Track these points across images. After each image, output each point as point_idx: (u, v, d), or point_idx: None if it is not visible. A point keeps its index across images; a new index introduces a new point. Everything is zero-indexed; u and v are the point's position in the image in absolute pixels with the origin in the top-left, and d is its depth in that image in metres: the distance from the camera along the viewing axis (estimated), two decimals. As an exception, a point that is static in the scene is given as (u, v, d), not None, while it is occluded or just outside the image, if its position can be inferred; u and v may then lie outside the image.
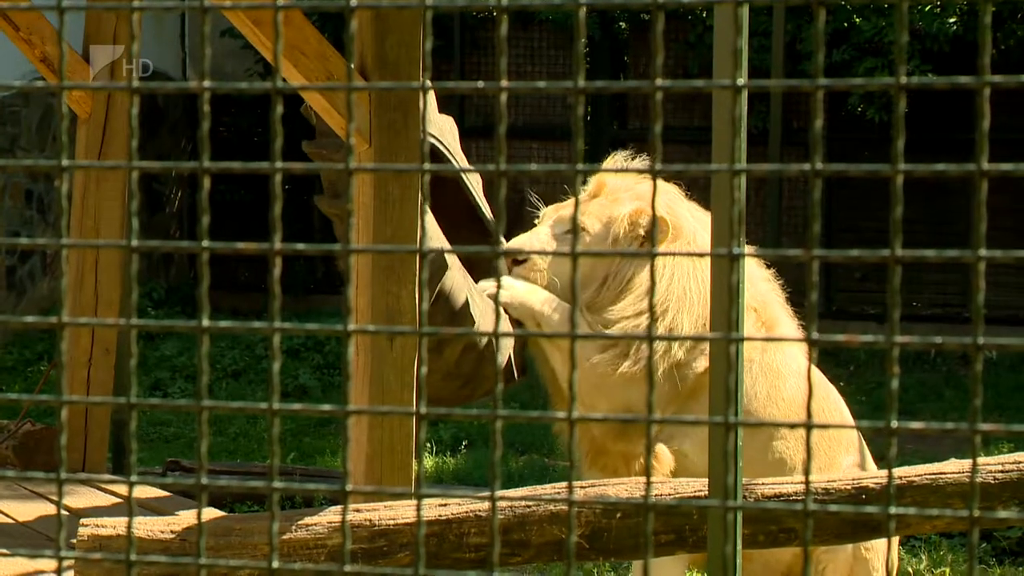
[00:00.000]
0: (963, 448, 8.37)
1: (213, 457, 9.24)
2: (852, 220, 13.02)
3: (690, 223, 5.52)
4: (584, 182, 5.64)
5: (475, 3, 2.09)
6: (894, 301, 1.61)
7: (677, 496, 4.58)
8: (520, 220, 6.01)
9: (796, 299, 5.86)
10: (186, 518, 4.83)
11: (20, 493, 6.67)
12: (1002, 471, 4.62)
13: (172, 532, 4.49)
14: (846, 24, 12.45)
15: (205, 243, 1.69)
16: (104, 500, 6.49)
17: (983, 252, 1.57)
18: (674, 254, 5.17)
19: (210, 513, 5.51)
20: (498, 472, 1.64)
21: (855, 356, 12.10)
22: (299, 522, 4.48)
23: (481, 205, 6.05)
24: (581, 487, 4.66)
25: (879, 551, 5.47)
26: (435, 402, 5.79)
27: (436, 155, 5.80)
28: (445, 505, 4.51)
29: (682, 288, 5.40)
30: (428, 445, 9.64)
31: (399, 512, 4.48)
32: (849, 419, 5.79)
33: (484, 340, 5.68)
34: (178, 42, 14.14)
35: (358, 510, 4.52)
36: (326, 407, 1.74)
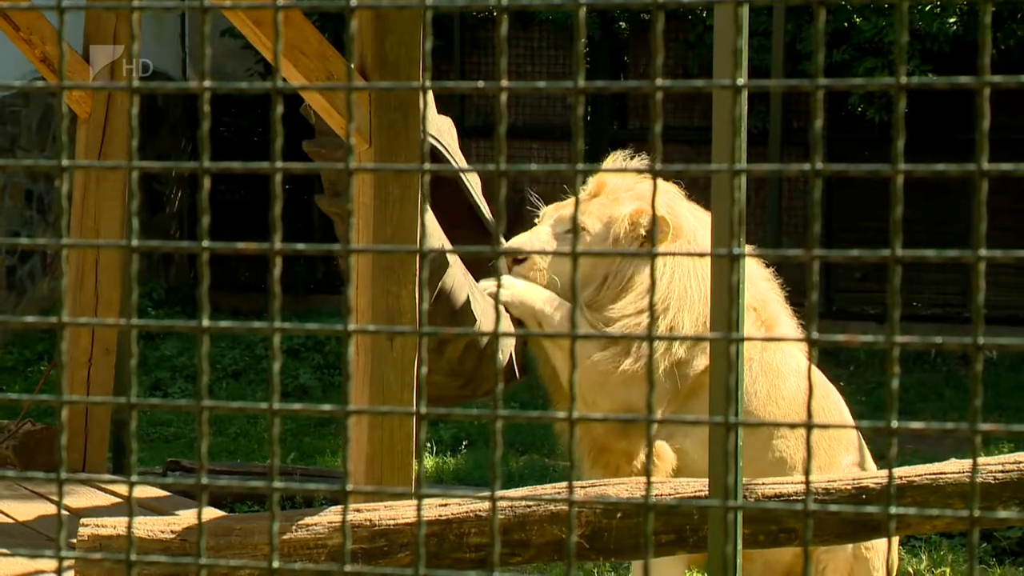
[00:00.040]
0: (963, 448, 8.37)
1: (213, 457, 9.24)
2: (852, 220, 13.02)
3: (690, 223, 5.53)
4: (584, 182, 5.64)
5: (475, 3, 2.09)
6: (894, 301, 1.61)
7: (677, 496, 4.58)
8: (520, 220, 6.01)
9: (796, 299, 5.86)
10: (186, 518, 4.83)
11: (20, 493, 6.67)
12: (1002, 471, 4.62)
13: (172, 532, 4.49)
14: (846, 24, 12.45)
15: (205, 243, 1.69)
16: (104, 500, 6.49)
17: (983, 252, 1.58)
18: (674, 254, 5.17)
19: (210, 513, 5.51)
20: (498, 472, 1.64)
21: (855, 356, 12.10)
22: (299, 522, 4.48)
23: (480, 205, 6.05)
24: (581, 487, 4.66)
25: (879, 551, 5.47)
26: (436, 401, 5.79)
27: (435, 155, 5.80)
28: (445, 505, 4.51)
29: (683, 287, 5.40)
30: (428, 445, 9.64)
31: (399, 512, 4.48)
32: (849, 418, 5.79)
33: (485, 339, 5.68)
34: (178, 42, 14.14)
35: (358, 510, 4.52)
36: (326, 407, 1.74)
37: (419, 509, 1.69)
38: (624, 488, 4.61)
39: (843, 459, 5.53)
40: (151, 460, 9.20)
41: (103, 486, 6.65)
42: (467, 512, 4.49)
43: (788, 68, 12.28)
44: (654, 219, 1.74)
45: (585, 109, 12.75)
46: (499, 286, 5.46)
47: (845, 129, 12.89)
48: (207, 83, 1.70)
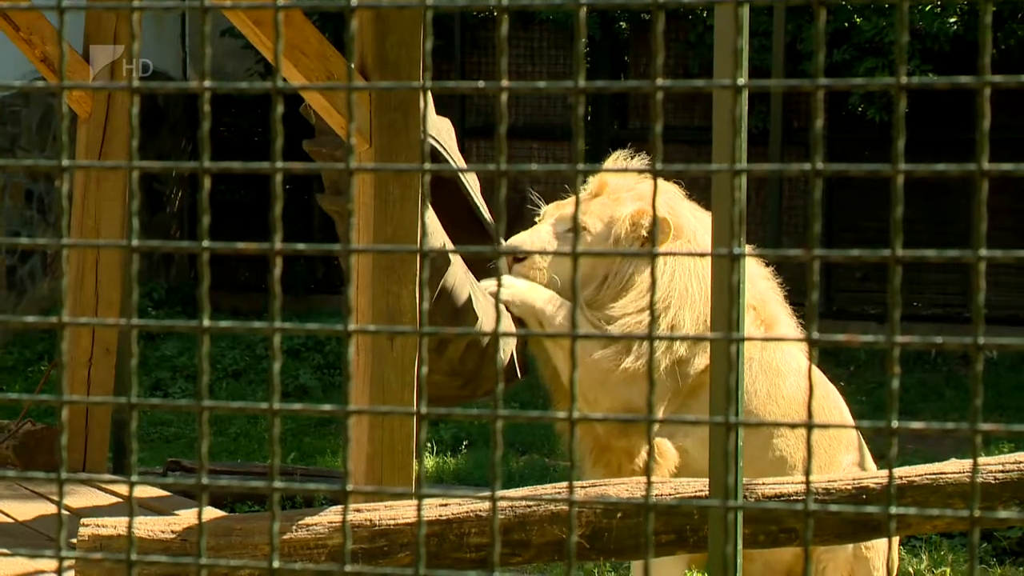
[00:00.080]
0: (964, 448, 8.37)
1: (214, 457, 9.24)
2: (853, 220, 13.02)
3: (691, 223, 5.53)
4: (585, 181, 5.65)
5: (475, 3, 2.09)
6: (894, 301, 1.61)
7: (678, 496, 4.58)
8: (521, 219, 6.02)
9: (796, 299, 5.87)
10: (187, 518, 4.83)
11: (20, 493, 6.67)
12: (1003, 471, 4.62)
13: (173, 532, 4.49)
14: (847, 24, 12.45)
15: (205, 243, 1.69)
16: (104, 500, 6.49)
17: (983, 252, 1.57)
18: (675, 254, 5.18)
19: (211, 513, 5.51)
20: (499, 472, 1.64)
21: (855, 356, 12.10)
22: (300, 522, 4.48)
23: (479, 205, 6.05)
24: (582, 487, 4.66)
25: (879, 550, 5.47)
26: (436, 401, 5.79)
27: (435, 156, 5.81)
28: (446, 505, 4.51)
29: (683, 285, 5.41)
30: (429, 445, 9.64)
31: (400, 512, 4.48)
32: (849, 418, 5.80)
33: (487, 338, 5.68)
34: (178, 42, 14.14)
35: (359, 510, 4.52)
36: (326, 407, 1.74)
37: (419, 509, 1.69)
38: (624, 488, 4.61)
39: (843, 459, 5.53)
40: (151, 460, 9.20)
41: (103, 486, 6.65)
42: (467, 512, 4.49)
43: (788, 68, 12.28)
44: (655, 220, 1.74)
45: (585, 109, 12.75)
46: (499, 286, 5.46)
47: (845, 129, 12.89)
48: (207, 83, 1.70)
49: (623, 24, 13.62)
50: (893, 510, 1.62)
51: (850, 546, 5.38)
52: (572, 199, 5.59)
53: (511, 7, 1.64)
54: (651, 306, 1.61)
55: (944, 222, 12.66)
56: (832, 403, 5.65)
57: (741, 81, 1.68)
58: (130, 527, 1.72)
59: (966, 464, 4.69)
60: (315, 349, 12.24)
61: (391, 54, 4.91)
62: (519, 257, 5.52)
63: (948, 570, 7.34)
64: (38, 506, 6.45)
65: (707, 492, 4.43)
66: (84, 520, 4.53)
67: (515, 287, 5.48)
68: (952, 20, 11.94)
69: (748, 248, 5.35)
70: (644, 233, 5.45)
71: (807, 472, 1.61)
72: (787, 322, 5.68)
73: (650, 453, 1.70)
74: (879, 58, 12.28)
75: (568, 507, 1.67)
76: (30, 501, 6.54)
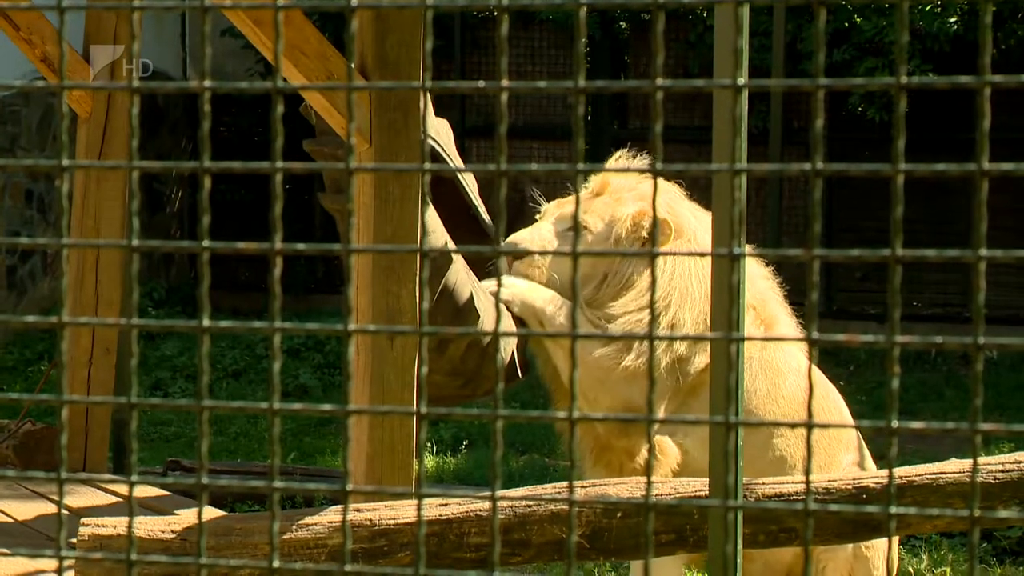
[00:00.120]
0: (964, 448, 8.37)
1: (214, 457, 9.24)
2: (853, 220, 13.02)
3: (691, 223, 5.53)
4: (586, 180, 5.65)
5: (476, 3, 2.09)
6: (894, 301, 1.61)
7: (677, 496, 4.58)
8: (521, 219, 6.02)
9: (796, 299, 5.87)
10: (187, 518, 4.83)
11: (20, 493, 6.67)
12: (1003, 471, 4.62)
13: (173, 532, 4.49)
14: (847, 24, 12.45)
15: (206, 243, 1.69)
16: (104, 500, 6.49)
17: (984, 252, 1.57)
18: (675, 253, 5.18)
19: (211, 513, 5.51)
20: (499, 472, 1.64)
21: (855, 356, 12.10)
22: (300, 522, 4.48)
23: (477, 205, 6.06)
24: (582, 487, 4.66)
25: (879, 549, 5.47)
26: (436, 401, 5.79)
27: (434, 156, 5.81)
28: (446, 505, 4.51)
29: (683, 284, 5.41)
30: (429, 445, 9.64)
31: (400, 512, 4.48)
32: (849, 418, 5.80)
33: (488, 337, 5.68)
34: (178, 42, 14.14)
35: (359, 510, 4.52)
36: (326, 407, 1.74)
37: (419, 509, 1.69)
38: (624, 488, 4.61)
39: (843, 458, 5.53)
40: (151, 460, 9.20)
41: (103, 486, 6.65)
42: (467, 512, 4.49)
43: (788, 68, 12.28)
44: (655, 221, 1.74)
45: (586, 109, 12.74)
46: (499, 285, 5.46)
47: (846, 129, 12.89)
48: (207, 83, 1.70)
49: (623, 24, 13.62)
50: (893, 510, 1.62)
51: (850, 546, 5.38)
52: (573, 197, 5.59)
53: (511, 7, 1.64)
54: (651, 306, 1.61)
55: (944, 222, 12.66)
56: (832, 403, 5.65)
57: (741, 81, 1.68)
58: (130, 527, 1.72)
59: (966, 464, 4.69)
60: (315, 349, 12.24)
61: (391, 54, 4.91)
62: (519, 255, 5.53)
63: (948, 570, 7.34)
64: (38, 506, 6.45)
65: (707, 492, 4.43)
66: (84, 520, 4.53)
67: (515, 287, 5.49)
68: (952, 20, 11.94)
69: (748, 248, 5.36)
70: (645, 234, 5.45)
71: (807, 472, 1.61)
72: (787, 322, 5.68)
73: (650, 452, 1.70)
74: (879, 58, 12.28)
75: (568, 507, 1.67)
76: (30, 501, 6.54)
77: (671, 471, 5.36)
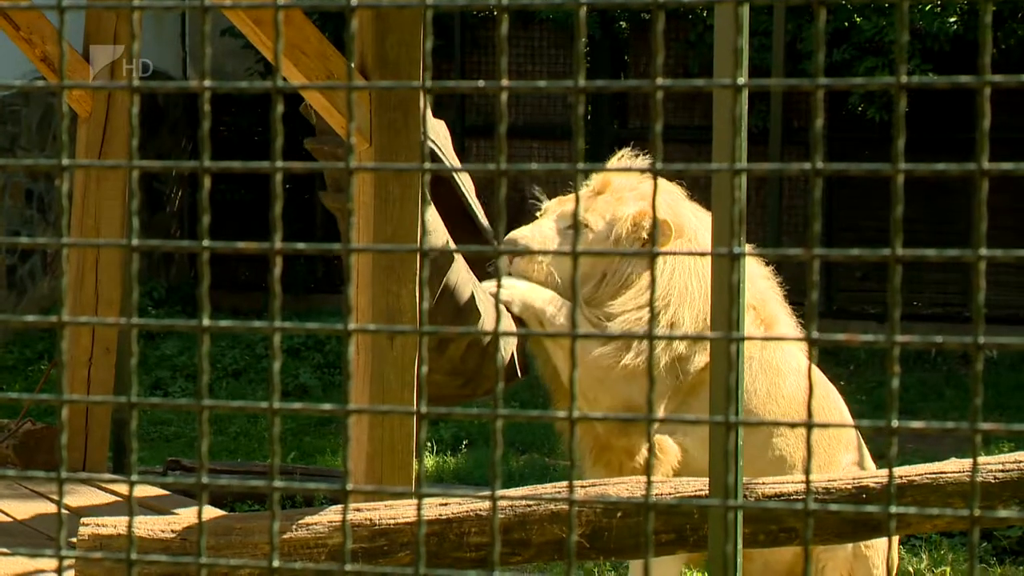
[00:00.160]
0: (963, 447, 8.37)
1: (214, 456, 9.24)
2: (853, 219, 13.02)
3: (692, 223, 5.54)
4: (587, 179, 5.65)
5: (475, 2, 2.09)
6: (894, 300, 1.61)
7: (677, 495, 4.58)
8: (521, 219, 6.02)
9: (796, 298, 5.87)
10: (187, 517, 4.83)
11: (20, 492, 6.67)
12: (1003, 470, 4.62)
13: (173, 531, 4.49)
14: (847, 23, 12.45)
15: (205, 242, 1.69)
16: (104, 499, 6.49)
17: (984, 251, 1.57)
18: (674, 253, 5.19)
19: (211, 512, 5.51)
20: (499, 471, 1.64)
21: (855, 355, 12.10)
22: (300, 521, 4.48)
23: (473, 206, 6.06)
24: (582, 486, 4.66)
25: (879, 548, 5.48)
26: (436, 401, 5.79)
27: (433, 157, 5.81)
28: (446, 504, 4.51)
29: (683, 284, 5.42)
30: (429, 444, 9.64)
31: (400, 511, 4.48)
32: (848, 418, 5.80)
33: (488, 337, 5.68)
34: (178, 41, 14.14)
35: (359, 509, 4.52)
36: (326, 406, 1.74)
37: (419, 508, 1.69)
38: (624, 487, 4.61)
39: (843, 458, 5.53)
40: (151, 459, 9.20)
41: (103, 485, 6.65)
42: (467, 511, 4.49)
43: (788, 67, 12.28)
44: (655, 221, 1.73)
45: (586, 108, 12.75)
46: (499, 286, 5.46)
47: (845, 128, 12.89)
48: (207, 82, 1.70)
49: (623, 24, 13.62)
50: (893, 509, 1.62)
51: (850, 545, 5.38)
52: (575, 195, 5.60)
53: (511, 6, 1.64)
54: (651, 305, 1.61)
55: (944, 221, 12.66)
56: (832, 403, 5.65)
57: (741, 80, 1.68)
58: (130, 526, 1.72)
59: (966, 463, 4.69)
60: (315, 348, 12.24)
61: (391, 54, 4.91)
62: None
63: (948, 569, 7.34)
64: (38, 505, 6.45)
65: (707, 491, 4.43)
66: (84, 519, 4.53)
67: (515, 288, 5.49)
68: (952, 20, 11.94)
69: (748, 247, 5.36)
70: (645, 236, 5.46)
71: (807, 471, 1.61)
72: (787, 321, 5.68)
73: (650, 451, 1.70)
74: (879, 57, 12.28)
75: (568, 506, 1.67)
76: (30, 500, 6.54)
77: (671, 470, 5.35)
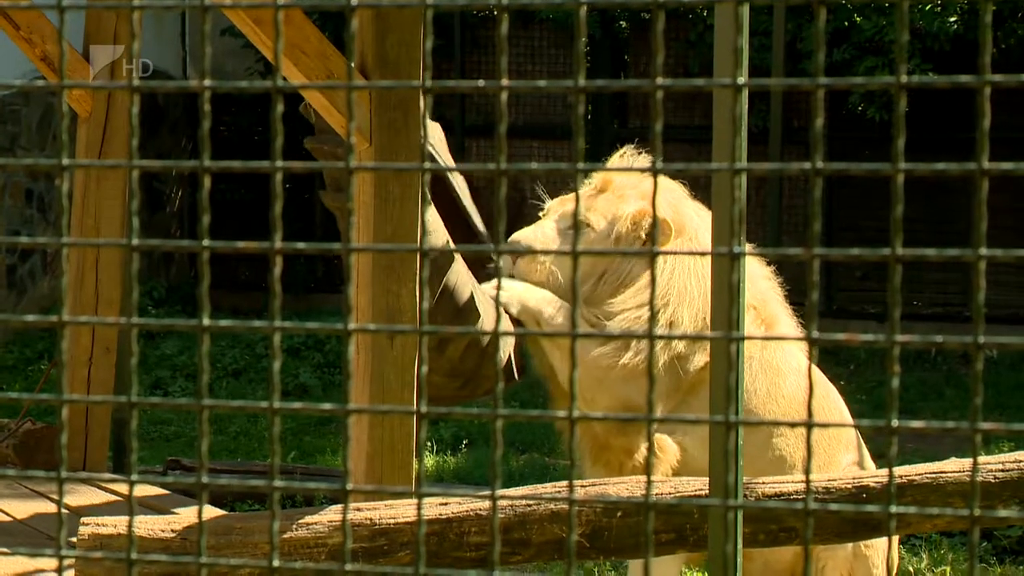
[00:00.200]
0: (964, 447, 8.37)
1: (214, 456, 9.24)
2: (853, 219, 13.02)
3: (693, 222, 5.53)
4: (587, 178, 5.65)
5: (476, 2, 2.09)
6: (895, 300, 1.61)
7: (678, 495, 4.58)
8: (521, 219, 6.02)
9: (797, 298, 5.87)
10: (187, 517, 4.83)
11: (20, 492, 6.67)
12: (1003, 470, 4.62)
13: (173, 531, 4.49)
14: (847, 23, 12.45)
15: (205, 242, 1.69)
16: (104, 499, 6.49)
17: (984, 251, 1.57)
18: (674, 252, 5.19)
19: (211, 512, 5.51)
20: (499, 471, 1.64)
21: (855, 355, 12.10)
22: (300, 521, 4.48)
23: (467, 207, 6.06)
24: (582, 486, 4.66)
25: (879, 548, 5.48)
26: (436, 401, 5.79)
27: (429, 158, 5.81)
28: (446, 504, 4.51)
29: (682, 283, 5.41)
30: (428, 444, 9.64)
31: (400, 511, 4.48)
32: (848, 417, 5.80)
33: (487, 337, 5.68)
34: (178, 41, 14.14)
35: (359, 509, 4.52)
36: (326, 406, 1.74)
37: (419, 508, 1.69)
38: (624, 487, 4.61)
39: (842, 458, 5.53)
40: (151, 459, 9.20)
41: (103, 485, 6.65)
42: (467, 511, 4.49)
43: (788, 67, 12.28)
44: (655, 220, 1.73)
45: (586, 108, 12.74)
46: (499, 287, 5.46)
47: (846, 128, 12.89)
48: (207, 82, 1.70)
49: (623, 23, 13.62)
50: (893, 509, 1.62)
51: (850, 545, 5.39)
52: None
53: (511, 6, 1.64)
54: (651, 304, 1.61)
55: (944, 221, 12.66)
56: (832, 402, 5.65)
57: (741, 80, 1.68)
58: (130, 526, 1.72)
59: (966, 463, 4.69)
60: (315, 348, 12.25)
61: (391, 53, 4.91)
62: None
63: (948, 569, 7.34)
64: (38, 505, 6.45)
65: (707, 491, 4.43)
66: (84, 519, 4.53)
67: (513, 289, 5.49)
68: (952, 19, 11.94)
69: (748, 247, 5.36)
70: (644, 235, 5.45)
71: (807, 471, 1.61)
72: (787, 321, 5.68)
73: (650, 450, 1.70)
74: (879, 57, 12.28)
75: (568, 506, 1.67)
76: (30, 500, 6.54)
77: (670, 469, 5.35)
